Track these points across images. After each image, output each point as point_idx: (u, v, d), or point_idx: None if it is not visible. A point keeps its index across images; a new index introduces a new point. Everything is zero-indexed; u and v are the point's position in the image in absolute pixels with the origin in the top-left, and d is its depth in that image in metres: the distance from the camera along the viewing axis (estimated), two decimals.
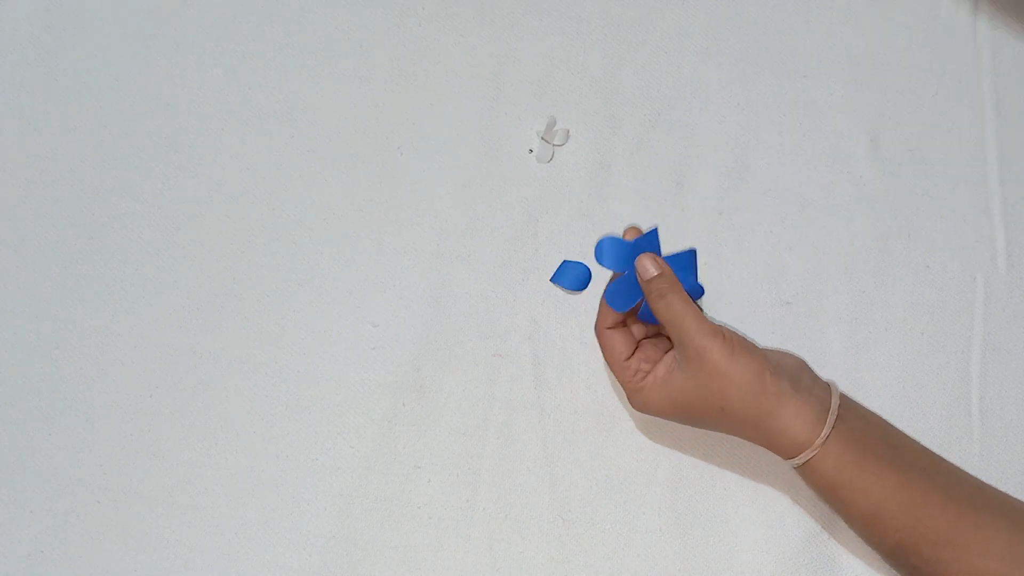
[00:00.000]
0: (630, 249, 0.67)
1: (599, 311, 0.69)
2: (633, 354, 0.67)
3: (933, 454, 0.66)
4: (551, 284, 0.76)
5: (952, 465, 0.66)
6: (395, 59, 0.81)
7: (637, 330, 0.69)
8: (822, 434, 0.62)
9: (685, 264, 0.67)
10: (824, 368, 0.70)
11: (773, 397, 0.63)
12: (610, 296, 0.67)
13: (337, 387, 0.76)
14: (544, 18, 0.82)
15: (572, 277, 0.76)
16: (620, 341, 0.67)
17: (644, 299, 0.67)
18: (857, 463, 0.63)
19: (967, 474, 0.66)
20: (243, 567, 0.73)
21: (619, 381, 0.68)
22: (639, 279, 0.66)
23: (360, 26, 0.82)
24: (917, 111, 0.79)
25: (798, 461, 0.63)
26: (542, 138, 0.79)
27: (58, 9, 0.82)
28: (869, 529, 0.63)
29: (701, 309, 0.65)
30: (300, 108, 0.80)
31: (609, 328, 0.68)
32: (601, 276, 0.76)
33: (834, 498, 0.64)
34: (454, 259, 0.77)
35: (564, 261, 0.76)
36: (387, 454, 0.74)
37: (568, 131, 0.79)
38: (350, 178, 0.79)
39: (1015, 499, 0.64)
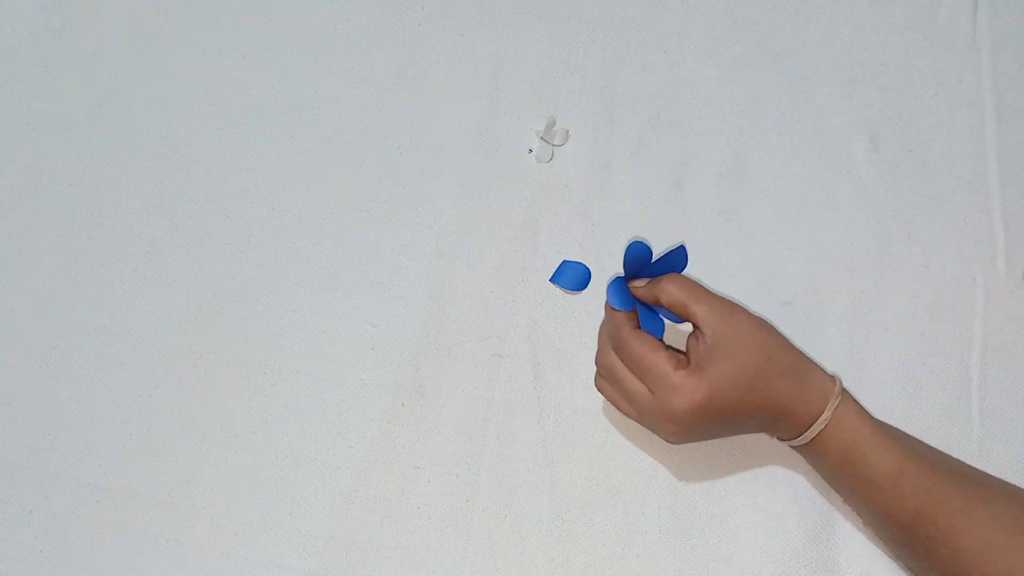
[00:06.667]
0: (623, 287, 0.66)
1: (615, 325, 0.65)
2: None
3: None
4: (550, 284, 0.76)
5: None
6: (395, 59, 0.81)
7: None
8: (838, 382, 0.63)
9: (678, 260, 0.66)
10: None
11: (795, 348, 0.64)
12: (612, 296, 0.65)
13: (337, 387, 0.75)
14: (544, 18, 0.82)
15: (571, 277, 0.76)
16: (648, 336, 0.64)
17: (640, 308, 0.65)
18: (874, 421, 0.63)
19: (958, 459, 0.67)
20: (243, 567, 0.73)
21: (653, 379, 0.63)
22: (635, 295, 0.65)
23: (360, 26, 0.82)
24: (917, 111, 0.79)
25: (827, 414, 0.62)
26: (542, 138, 0.79)
27: (57, 9, 0.82)
28: (888, 494, 0.62)
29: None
30: (300, 108, 0.80)
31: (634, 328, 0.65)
32: (600, 276, 0.76)
33: (857, 456, 0.62)
34: (453, 259, 0.77)
35: (563, 261, 0.77)
36: (386, 454, 0.74)
37: (568, 131, 0.79)
38: (350, 178, 0.79)
39: (1008, 481, 0.65)
